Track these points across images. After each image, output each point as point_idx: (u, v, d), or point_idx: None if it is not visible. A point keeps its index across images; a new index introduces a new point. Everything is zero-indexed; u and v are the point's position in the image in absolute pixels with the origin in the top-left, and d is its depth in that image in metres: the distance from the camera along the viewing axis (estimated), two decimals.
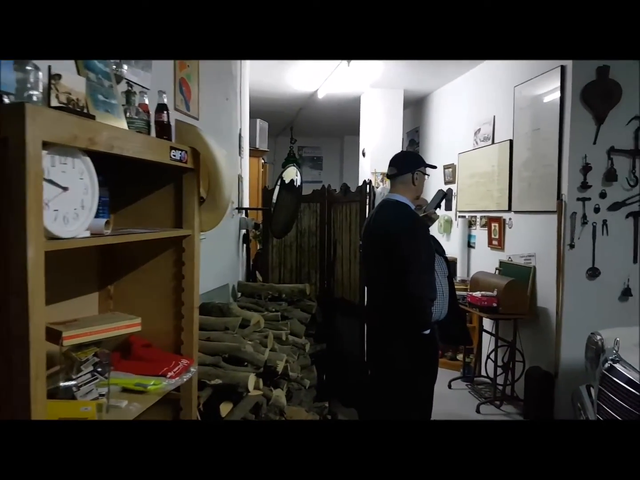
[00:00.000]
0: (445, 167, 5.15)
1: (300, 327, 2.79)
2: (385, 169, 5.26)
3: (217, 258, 2.87)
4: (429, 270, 2.34)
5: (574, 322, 3.15)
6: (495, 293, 3.52)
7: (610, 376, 2.04)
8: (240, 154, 3.30)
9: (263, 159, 5.60)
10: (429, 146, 5.62)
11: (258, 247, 4.09)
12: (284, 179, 3.12)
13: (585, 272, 3.16)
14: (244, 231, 3.57)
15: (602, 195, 3.12)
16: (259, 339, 2.17)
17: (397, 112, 5.32)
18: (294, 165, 3.18)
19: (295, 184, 3.30)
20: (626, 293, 3.11)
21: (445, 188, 5.17)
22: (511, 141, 3.90)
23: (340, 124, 7.42)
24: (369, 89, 5.29)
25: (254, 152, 4.77)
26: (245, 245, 3.63)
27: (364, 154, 5.47)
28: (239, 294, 3.12)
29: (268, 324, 2.64)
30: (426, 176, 2.49)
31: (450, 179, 5.10)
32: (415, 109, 6.04)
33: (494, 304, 3.48)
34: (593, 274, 3.14)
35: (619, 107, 3.06)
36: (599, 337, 2.50)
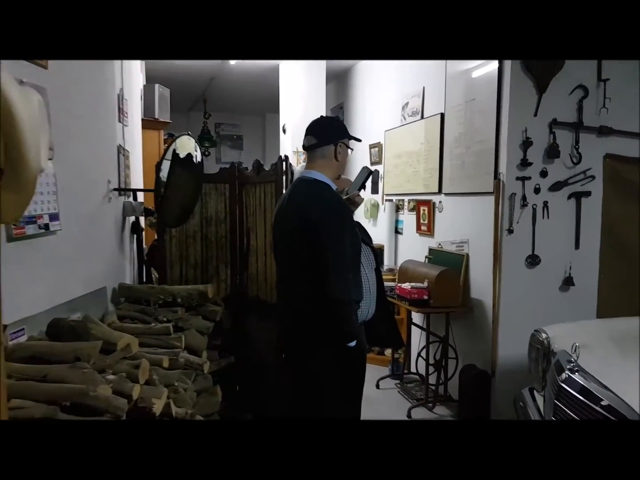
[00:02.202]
0: (371, 146, 4.74)
1: (200, 340, 2.23)
2: None
3: (88, 255, 2.21)
4: (355, 266, 1.87)
5: (512, 315, 2.86)
6: (426, 284, 3.16)
7: (570, 390, 1.69)
8: (121, 120, 2.62)
9: (172, 134, 4.88)
10: (355, 124, 5.18)
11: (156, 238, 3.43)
12: (177, 152, 2.50)
13: (525, 260, 2.86)
14: (132, 219, 2.91)
15: (543, 173, 2.81)
16: (129, 370, 1.58)
17: (319, 84, 4.80)
18: (188, 135, 2.55)
19: (194, 159, 2.69)
20: (568, 282, 2.85)
21: (371, 169, 4.76)
22: (442, 115, 3.53)
23: (261, 99, 6.77)
24: None
25: (153, 123, 4.08)
26: (135, 236, 2.97)
27: (284, 131, 4.92)
28: (123, 300, 2.48)
29: (156, 340, 2.05)
30: (350, 150, 2.01)
31: (376, 159, 4.70)
32: (339, 83, 5.57)
33: (425, 297, 3.12)
34: (533, 262, 2.85)
35: (561, 75, 2.75)
36: (544, 336, 2.18)
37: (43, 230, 1.84)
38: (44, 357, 1.55)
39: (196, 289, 2.39)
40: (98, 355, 1.61)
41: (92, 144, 2.21)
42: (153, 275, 3.07)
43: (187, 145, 2.58)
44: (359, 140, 2.06)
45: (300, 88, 4.75)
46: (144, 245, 3.18)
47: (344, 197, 2.06)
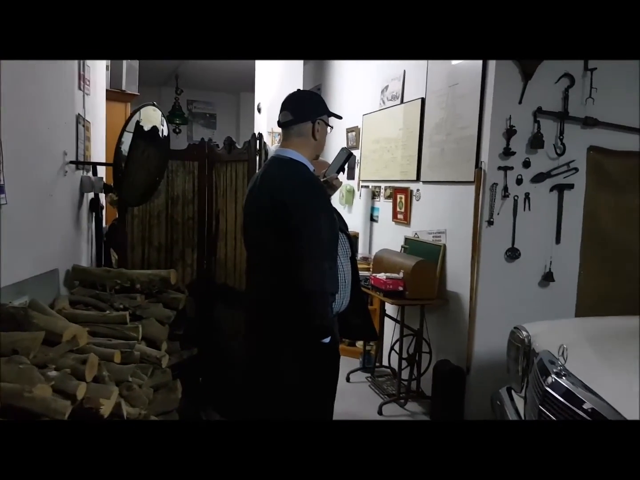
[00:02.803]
0: (349, 130, 4.59)
1: (159, 330, 2.05)
2: None
3: (38, 233, 2.00)
4: (332, 254, 1.73)
5: (489, 310, 2.78)
6: (401, 275, 3.05)
7: (556, 395, 1.60)
8: (81, 87, 2.38)
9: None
10: (332, 106, 4.99)
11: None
12: (140, 124, 2.29)
13: (504, 253, 2.77)
14: (91, 195, 2.68)
15: (526, 164, 2.72)
16: (75, 365, 1.41)
17: (296, 63, 4.59)
18: (153, 105, 2.34)
19: (160, 133, 2.48)
20: (547, 278, 2.78)
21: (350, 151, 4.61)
22: (423, 99, 3.40)
23: (236, 77, 6.49)
24: None
25: (120, 95, 3.81)
26: (94, 214, 2.75)
27: (259, 110, 4.71)
28: (77, 284, 2.28)
29: (110, 329, 1.87)
30: (329, 128, 1.85)
31: (353, 143, 4.55)
32: (317, 63, 5.37)
33: (400, 288, 3.02)
34: (512, 255, 2.77)
35: (548, 62, 2.63)
36: (524, 334, 2.09)
37: None
38: None
39: (157, 274, 2.20)
40: (40, 348, 1.43)
41: (47, 110, 1.99)
42: (113, 258, 2.86)
43: (152, 118, 2.38)
44: (340, 118, 1.91)
45: (276, 67, 4.55)
46: (104, 225, 2.96)
47: (322, 180, 1.92)
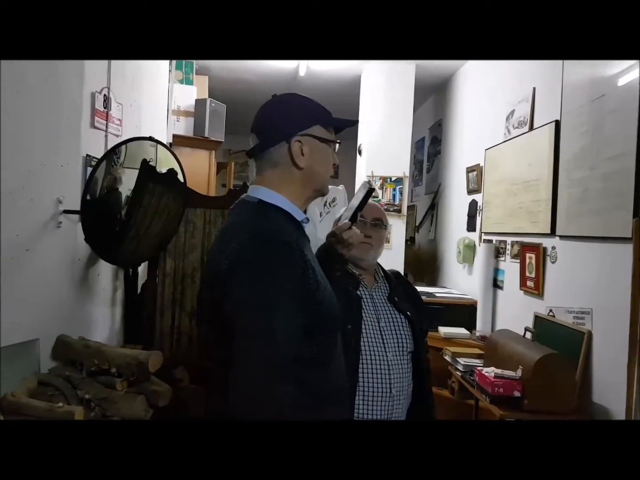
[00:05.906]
0: (469, 169, 3.71)
1: None
2: (385, 170, 3.93)
3: (5, 296, 1.63)
4: (307, 366, 0.99)
5: None
6: (519, 373, 2.06)
7: None
8: (99, 125, 2.05)
9: (235, 159, 4.40)
10: (453, 142, 4.20)
11: None
12: (150, 164, 1.85)
13: None
14: None
15: None
16: None
17: (405, 94, 3.91)
18: (150, 140, 1.89)
19: (180, 177, 2.03)
20: None
21: (468, 199, 3.71)
22: (557, 122, 2.45)
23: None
24: (369, 64, 3.95)
25: (203, 142, 3.59)
26: (125, 272, 2.38)
27: (360, 152, 4.12)
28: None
29: None
30: (333, 145, 1.13)
31: (474, 186, 3.65)
32: (439, 97, 4.64)
33: (516, 393, 2.02)
34: None
35: None
36: None
37: None
38: None
39: (135, 358, 1.67)
40: None
41: (29, 151, 1.67)
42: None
43: (167, 159, 1.93)
44: (351, 124, 1.15)
45: (381, 97, 3.93)
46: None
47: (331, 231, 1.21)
